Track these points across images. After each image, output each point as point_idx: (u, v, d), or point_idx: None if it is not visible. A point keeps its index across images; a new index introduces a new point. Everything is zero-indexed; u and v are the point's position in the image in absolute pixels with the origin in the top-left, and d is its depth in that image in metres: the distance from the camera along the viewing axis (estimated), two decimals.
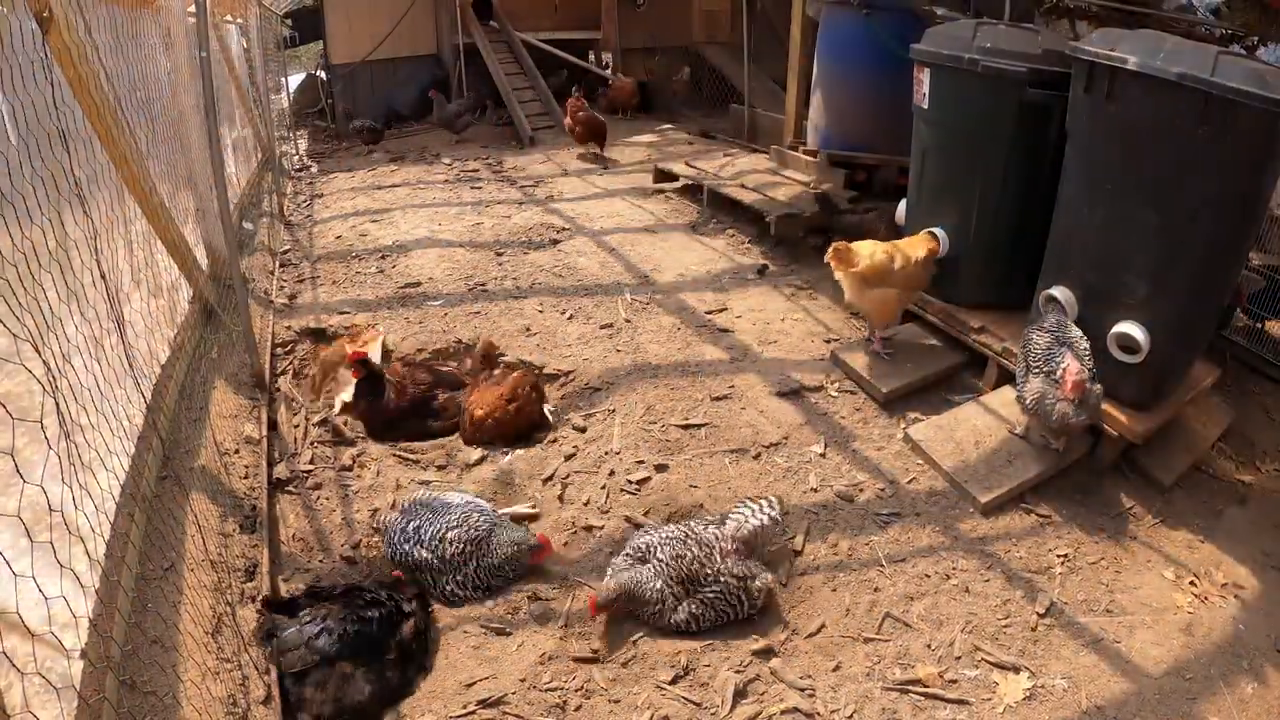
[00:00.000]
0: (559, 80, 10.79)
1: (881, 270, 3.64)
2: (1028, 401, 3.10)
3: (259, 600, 2.49)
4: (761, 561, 2.70)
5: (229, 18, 6.58)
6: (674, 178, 6.90)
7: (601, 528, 3.04)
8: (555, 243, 5.74)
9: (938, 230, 3.91)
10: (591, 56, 11.83)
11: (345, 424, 3.64)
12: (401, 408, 3.67)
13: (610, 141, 9.11)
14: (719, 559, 2.60)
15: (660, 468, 3.30)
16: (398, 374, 3.81)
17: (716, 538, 2.66)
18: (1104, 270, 3.19)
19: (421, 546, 2.71)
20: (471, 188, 7.38)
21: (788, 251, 5.45)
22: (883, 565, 2.85)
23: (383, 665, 2.35)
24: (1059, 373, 2.99)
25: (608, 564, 2.77)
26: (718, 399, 3.71)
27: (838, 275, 3.75)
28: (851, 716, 2.31)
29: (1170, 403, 3.33)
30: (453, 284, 5.01)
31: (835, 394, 3.79)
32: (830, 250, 3.71)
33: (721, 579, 2.57)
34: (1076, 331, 3.15)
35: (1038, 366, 3.09)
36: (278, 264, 5.58)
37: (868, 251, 3.67)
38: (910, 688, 2.39)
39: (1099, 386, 3.01)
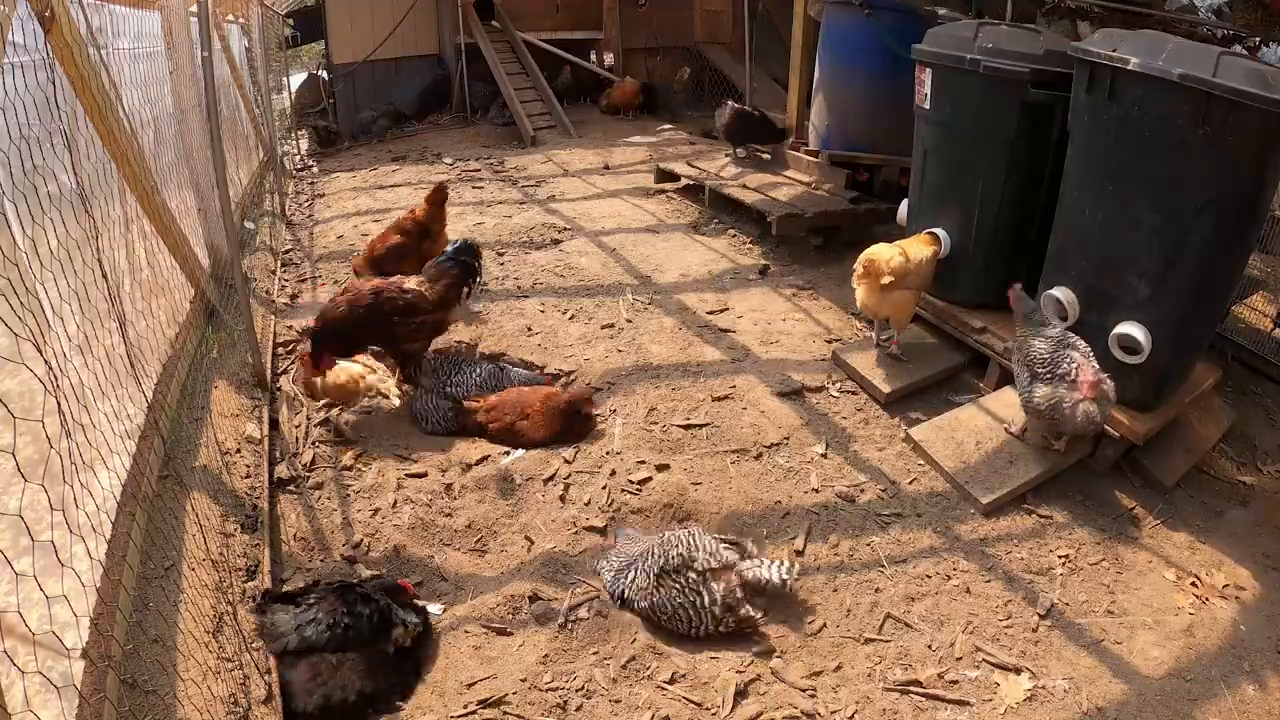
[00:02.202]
0: (563, 81, 10.80)
1: (901, 273, 3.65)
2: (1043, 407, 3.05)
3: (259, 594, 2.48)
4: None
5: (231, 17, 6.59)
6: (675, 178, 6.90)
7: (603, 528, 3.04)
8: (556, 243, 5.74)
9: (939, 231, 3.91)
10: (593, 56, 11.83)
11: (347, 424, 3.63)
12: (356, 313, 3.53)
13: (611, 142, 9.12)
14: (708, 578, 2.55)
15: (661, 468, 3.30)
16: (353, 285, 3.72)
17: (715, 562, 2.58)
18: (1105, 271, 3.18)
19: None
20: (473, 188, 7.39)
21: (789, 252, 5.45)
22: (884, 566, 2.85)
23: (372, 666, 2.34)
24: (1073, 375, 2.97)
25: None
26: (719, 399, 3.71)
27: (858, 284, 3.74)
28: (853, 717, 2.31)
29: (1172, 403, 3.33)
30: None
31: (836, 394, 3.79)
32: (859, 267, 3.68)
33: (695, 587, 2.52)
34: (1073, 336, 3.13)
35: (1046, 372, 3.07)
36: (279, 263, 5.59)
37: (886, 256, 3.65)
38: (911, 688, 2.39)
39: (1111, 382, 3.00)
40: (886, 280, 3.61)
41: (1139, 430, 3.17)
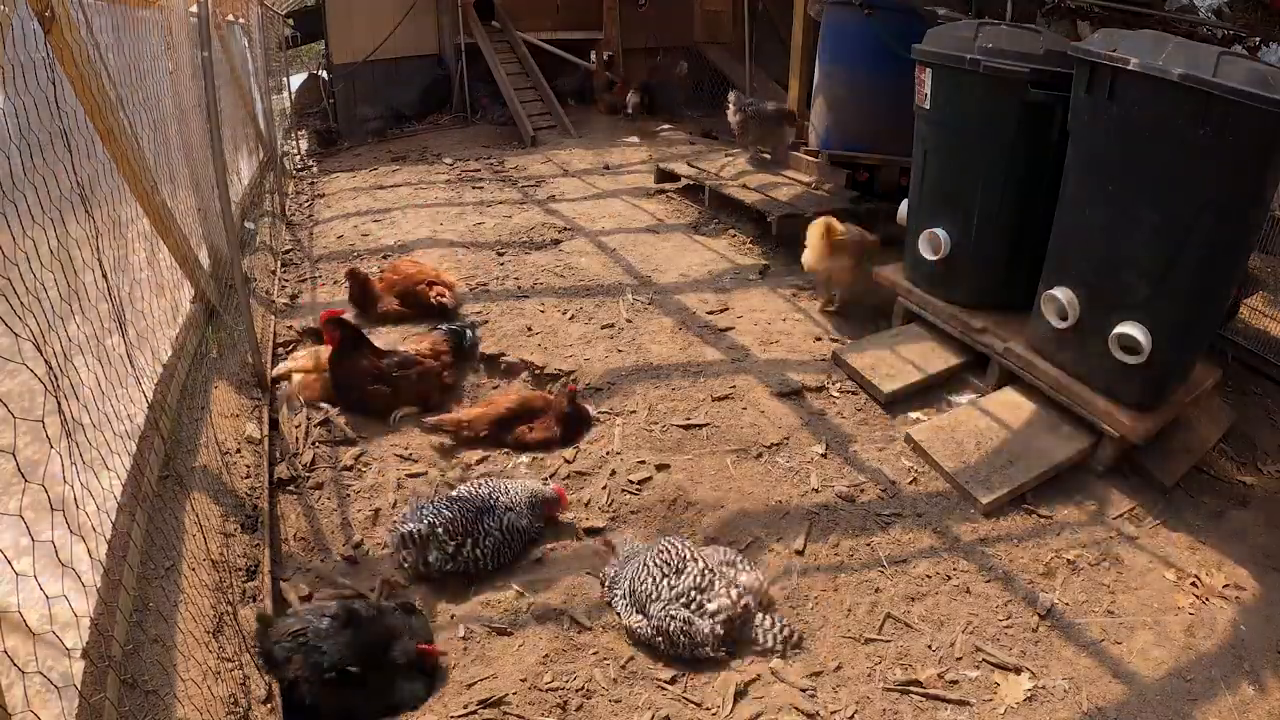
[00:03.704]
0: (563, 81, 10.80)
1: (845, 237, 4.39)
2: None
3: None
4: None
5: (231, 17, 6.59)
6: (675, 178, 6.90)
7: (603, 528, 3.04)
8: (556, 243, 5.74)
9: (938, 230, 3.91)
10: (593, 56, 11.84)
11: (347, 423, 3.63)
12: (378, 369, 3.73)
13: (611, 142, 9.11)
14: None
15: (661, 468, 3.30)
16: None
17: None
18: (1105, 271, 3.18)
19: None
20: (473, 188, 7.39)
21: (789, 252, 5.43)
22: (884, 566, 2.85)
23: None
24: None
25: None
26: (719, 399, 3.71)
27: (812, 246, 4.39)
28: (852, 717, 2.31)
29: (1172, 403, 3.33)
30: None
31: (836, 395, 3.79)
32: (819, 225, 4.36)
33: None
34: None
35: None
36: (279, 264, 5.59)
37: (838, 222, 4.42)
38: (911, 688, 2.39)
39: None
40: (840, 236, 4.33)
41: (1139, 430, 3.17)
